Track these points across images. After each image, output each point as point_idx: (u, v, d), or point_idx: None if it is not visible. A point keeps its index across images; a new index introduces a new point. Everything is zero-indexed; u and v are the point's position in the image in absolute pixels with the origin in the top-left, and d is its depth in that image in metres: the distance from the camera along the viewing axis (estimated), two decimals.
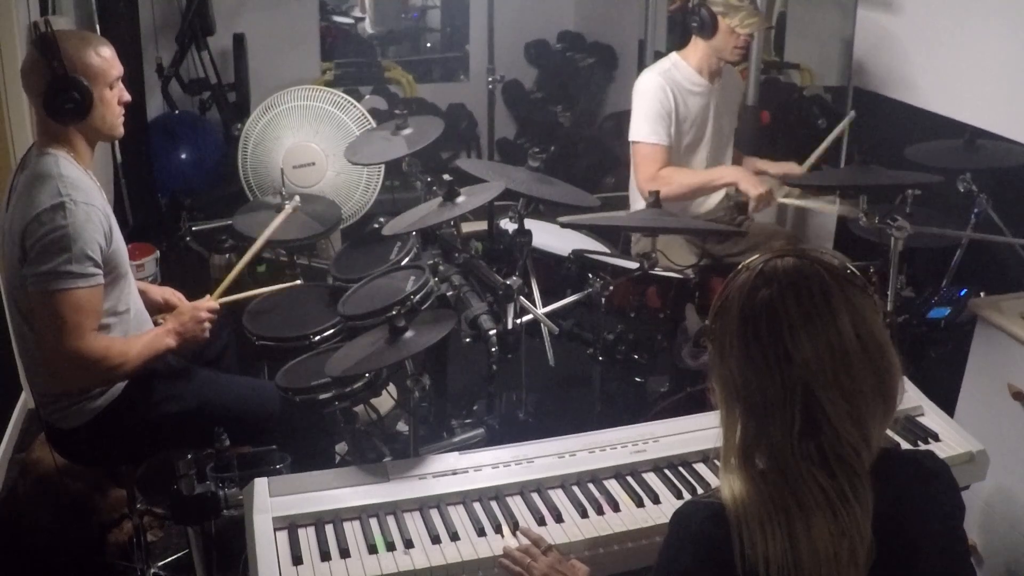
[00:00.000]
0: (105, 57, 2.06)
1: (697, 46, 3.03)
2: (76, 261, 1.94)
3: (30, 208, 1.95)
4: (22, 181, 2.03)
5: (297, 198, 2.84)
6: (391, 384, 2.30)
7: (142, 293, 2.33)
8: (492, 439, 2.19)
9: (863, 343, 1.16)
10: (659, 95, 2.97)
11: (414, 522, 1.70)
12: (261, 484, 1.72)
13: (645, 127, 2.99)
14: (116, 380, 2.10)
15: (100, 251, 1.99)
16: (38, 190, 1.96)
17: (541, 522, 1.71)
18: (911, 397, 2.10)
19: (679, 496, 1.79)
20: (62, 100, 1.98)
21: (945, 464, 1.31)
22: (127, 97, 2.14)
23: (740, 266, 1.25)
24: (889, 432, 1.95)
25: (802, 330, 1.15)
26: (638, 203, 3.09)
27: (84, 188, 2.01)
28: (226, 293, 2.42)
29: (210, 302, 2.32)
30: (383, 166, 3.16)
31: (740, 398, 1.20)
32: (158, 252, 3.72)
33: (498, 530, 1.68)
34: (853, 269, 1.24)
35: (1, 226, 2.07)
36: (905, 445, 1.95)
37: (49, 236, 1.93)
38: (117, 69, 2.10)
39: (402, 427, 2.65)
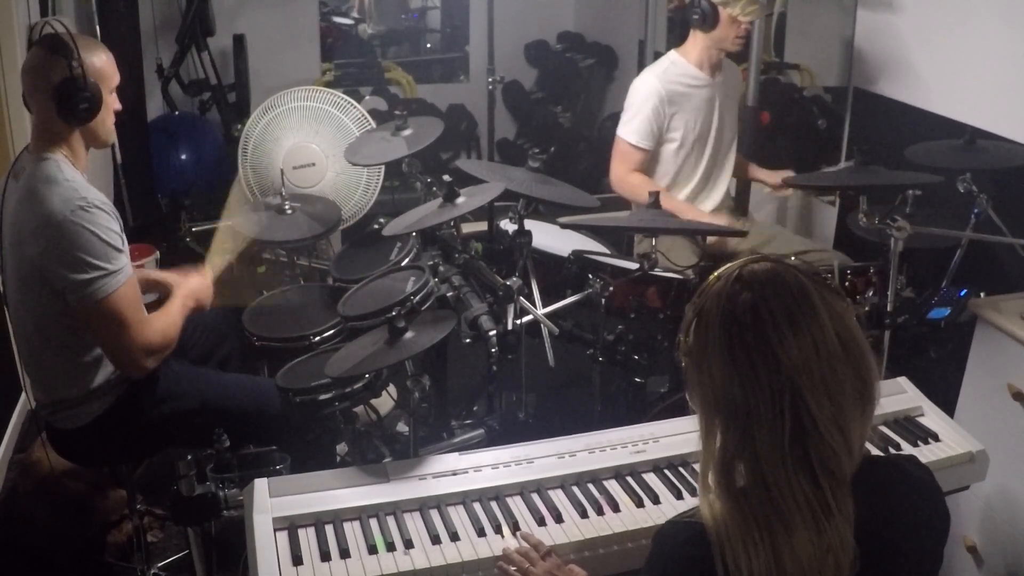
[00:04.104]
0: (108, 62, 2.09)
1: (696, 40, 3.03)
2: (109, 260, 1.97)
3: (43, 214, 1.94)
4: (23, 187, 2.02)
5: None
6: (391, 385, 2.30)
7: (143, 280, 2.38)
8: (492, 439, 2.19)
9: (843, 344, 1.16)
10: (652, 100, 2.98)
11: (414, 522, 1.70)
12: (261, 484, 1.71)
13: (629, 126, 3.03)
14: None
15: (121, 241, 2.03)
16: (47, 195, 1.96)
17: (541, 522, 1.71)
18: (911, 397, 2.10)
19: (679, 496, 1.79)
20: (77, 100, 1.99)
21: (928, 470, 1.30)
22: (119, 106, 2.16)
23: (711, 277, 1.24)
24: (890, 432, 1.97)
25: (787, 330, 1.14)
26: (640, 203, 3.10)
27: (90, 188, 2.03)
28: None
29: (208, 271, 2.44)
30: (383, 167, 3.16)
31: (721, 409, 1.18)
32: (158, 252, 3.71)
33: (498, 530, 1.68)
34: (826, 274, 1.24)
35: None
36: (905, 445, 1.95)
37: (77, 244, 1.93)
38: (117, 76, 2.13)
39: (402, 428, 2.65)
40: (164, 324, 2.14)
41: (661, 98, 2.98)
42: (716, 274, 1.23)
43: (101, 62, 2.06)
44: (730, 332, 1.17)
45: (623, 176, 3.05)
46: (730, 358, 1.16)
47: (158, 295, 2.37)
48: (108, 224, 1.98)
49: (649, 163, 3.08)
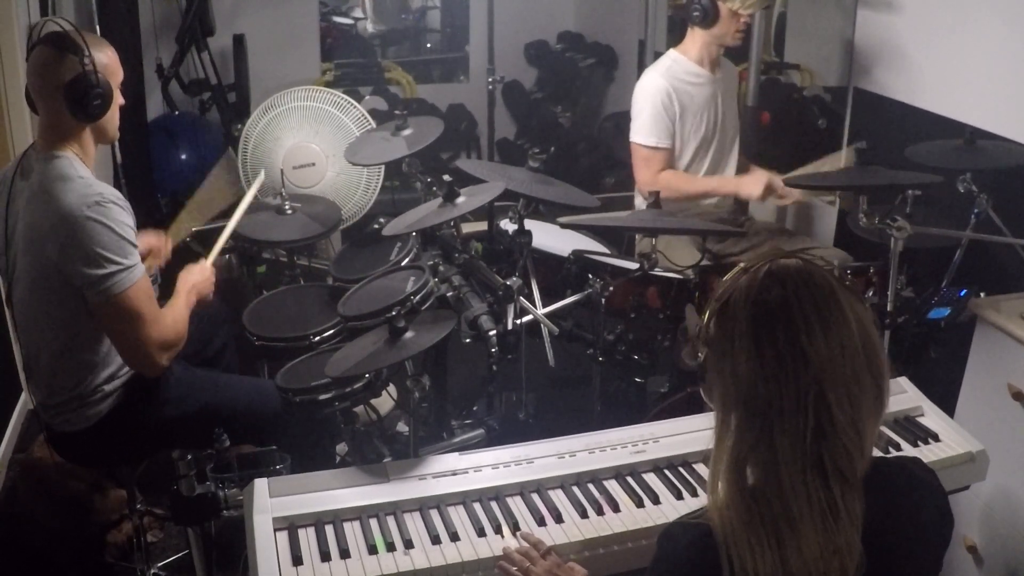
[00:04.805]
0: (114, 57, 2.10)
1: (695, 37, 3.03)
2: (125, 255, 1.97)
3: (59, 212, 1.94)
4: (35, 186, 2.01)
5: (263, 172, 2.97)
6: (391, 385, 2.30)
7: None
8: (492, 439, 2.19)
9: (864, 345, 1.16)
10: (660, 96, 2.98)
11: (414, 522, 1.70)
12: (261, 484, 1.72)
13: (644, 129, 3.00)
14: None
15: (135, 235, 2.03)
16: (62, 193, 1.96)
17: (541, 522, 1.71)
18: (911, 397, 2.10)
19: (679, 496, 1.79)
20: (91, 96, 1.99)
21: (933, 472, 1.30)
22: (123, 100, 2.16)
23: (737, 268, 1.22)
24: (890, 432, 1.97)
25: (818, 328, 1.13)
26: (643, 202, 3.09)
27: (103, 184, 2.03)
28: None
29: (208, 264, 2.42)
30: (383, 167, 3.16)
31: (741, 404, 1.17)
32: None
33: (498, 530, 1.68)
34: (846, 275, 1.24)
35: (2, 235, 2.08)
36: (905, 445, 1.95)
37: (94, 239, 1.93)
38: (121, 71, 2.13)
39: (402, 428, 2.65)
40: (174, 320, 2.13)
41: (668, 94, 2.98)
42: (742, 267, 1.22)
43: (108, 58, 2.06)
44: (759, 327, 1.15)
45: (652, 180, 2.99)
46: (757, 353, 1.15)
47: (158, 281, 2.37)
48: (122, 219, 1.99)
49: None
